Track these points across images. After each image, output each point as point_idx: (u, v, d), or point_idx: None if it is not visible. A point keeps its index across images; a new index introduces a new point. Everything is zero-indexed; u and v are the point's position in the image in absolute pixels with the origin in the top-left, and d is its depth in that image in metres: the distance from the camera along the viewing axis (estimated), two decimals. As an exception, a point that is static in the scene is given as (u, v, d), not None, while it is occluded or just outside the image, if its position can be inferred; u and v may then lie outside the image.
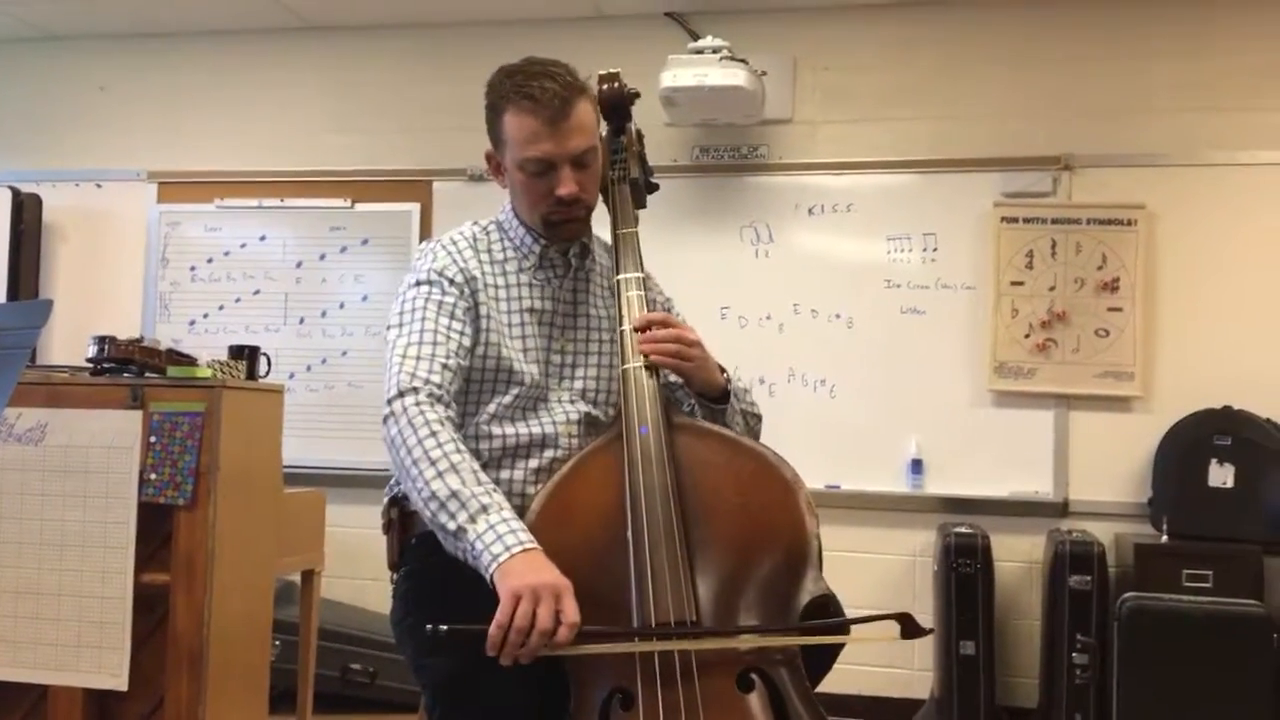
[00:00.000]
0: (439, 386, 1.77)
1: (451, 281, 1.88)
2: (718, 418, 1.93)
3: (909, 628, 1.63)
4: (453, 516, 1.64)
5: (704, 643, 1.62)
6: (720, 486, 1.76)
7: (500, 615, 1.53)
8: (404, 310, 1.87)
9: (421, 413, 1.72)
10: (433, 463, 1.67)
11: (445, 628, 1.58)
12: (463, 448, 1.71)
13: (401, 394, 1.75)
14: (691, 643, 1.61)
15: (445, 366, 1.80)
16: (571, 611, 1.55)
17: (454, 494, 1.65)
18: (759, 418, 2.04)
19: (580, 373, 1.97)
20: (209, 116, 5.15)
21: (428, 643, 1.81)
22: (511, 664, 1.55)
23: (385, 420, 1.76)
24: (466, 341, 1.85)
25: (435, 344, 1.81)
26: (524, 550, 1.59)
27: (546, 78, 1.84)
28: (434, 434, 1.70)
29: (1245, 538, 3.90)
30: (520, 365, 1.90)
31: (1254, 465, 4.00)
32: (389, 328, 1.88)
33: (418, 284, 1.89)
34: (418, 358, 1.79)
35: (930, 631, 1.69)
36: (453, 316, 1.85)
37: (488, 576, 1.59)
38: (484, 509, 1.63)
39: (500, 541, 1.60)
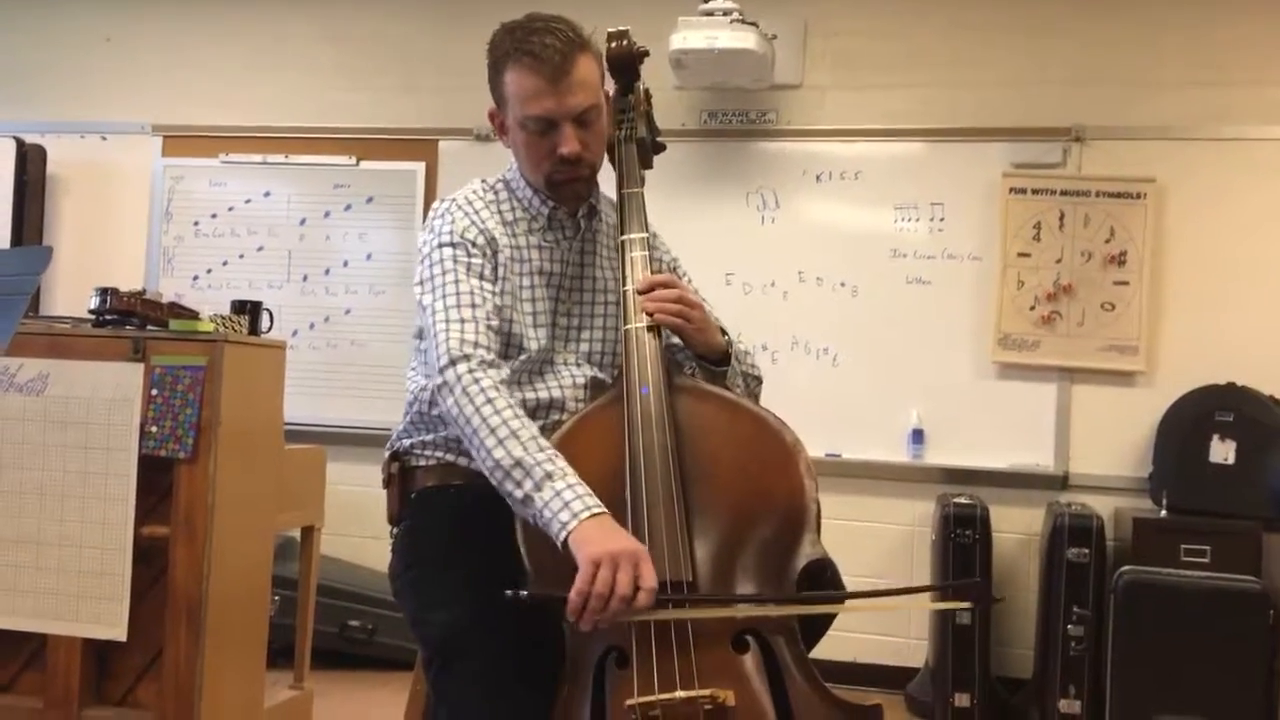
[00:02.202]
0: (488, 349, 1.77)
1: (474, 244, 1.87)
2: (718, 380, 1.92)
3: (983, 595, 1.64)
4: (519, 485, 1.64)
5: (720, 611, 1.62)
6: (720, 448, 1.76)
7: (580, 582, 1.55)
8: (433, 273, 1.85)
9: (476, 380, 1.72)
10: (492, 430, 1.67)
11: (525, 593, 1.60)
12: (520, 413, 1.71)
13: (454, 362, 1.74)
14: (703, 611, 1.61)
15: (489, 328, 1.80)
16: (649, 576, 1.56)
17: (518, 462, 1.64)
18: (759, 380, 2.03)
19: (586, 335, 1.97)
20: (215, 71, 5.12)
21: (426, 598, 1.83)
22: (591, 629, 1.57)
23: (439, 390, 1.74)
24: (499, 302, 1.85)
25: (475, 305, 1.80)
26: (592, 515, 1.60)
27: (548, 34, 1.82)
28: (490, 401, 1.70)
29: (1245, 514, 3.90)
30: (528, 332, 1.88)
31: (1256, 442, 4.00)
32: (420, 291, 1.86)
33: (442, 245, 1.86)
34: (462, 320, 1.78)
35: (1001, 599, 1.71)
36: (482, 277, 1.84)
37: (558, 543, 1.59)
38: (549, 475, 1.63)
39: (568, 509, 1.60)
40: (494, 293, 1.85)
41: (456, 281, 1.82)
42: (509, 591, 1.61)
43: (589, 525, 1.59)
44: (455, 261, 1.84)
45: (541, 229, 1.95)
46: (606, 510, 1.62)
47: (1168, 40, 4.34)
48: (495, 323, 1.82)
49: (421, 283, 1.86)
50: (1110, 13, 4.38)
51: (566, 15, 1.89)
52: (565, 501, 1.61)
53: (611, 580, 1.54)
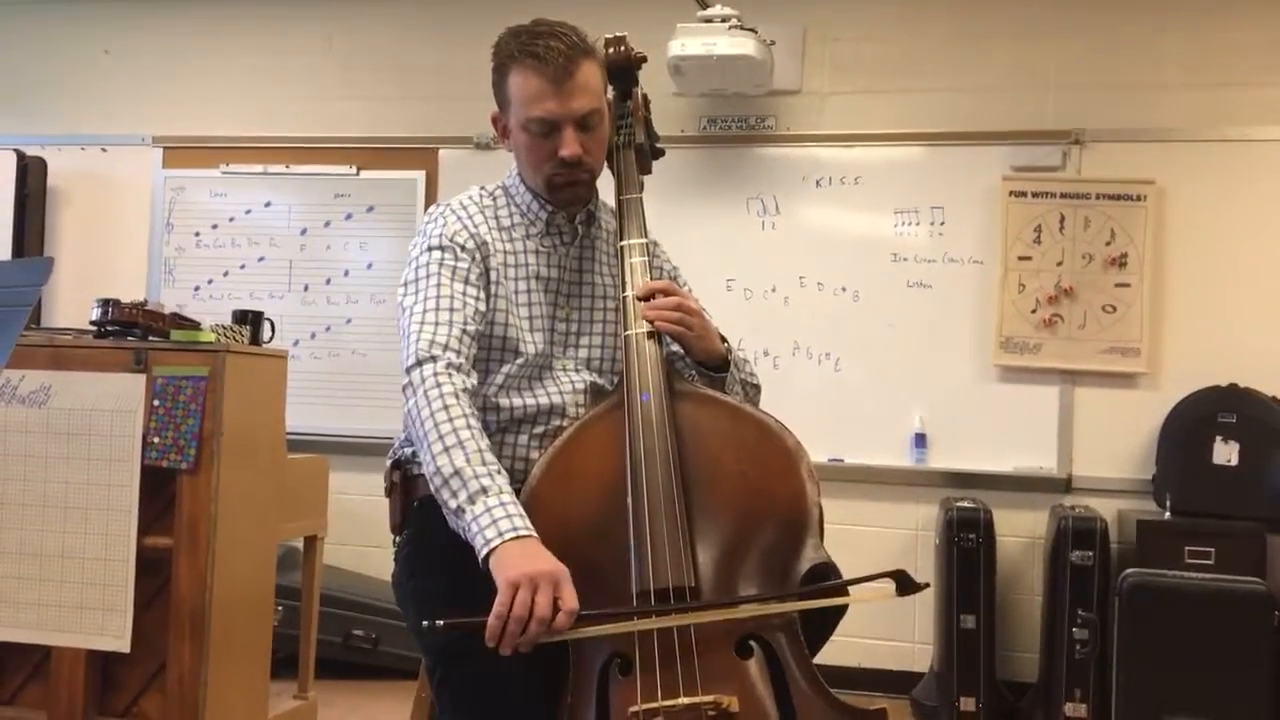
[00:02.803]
0: (458, 354, 1.76)
1: (463, 248, 1.87)
2: (717, 386, 1.91)
3: (904, 584, 1.62)
4: (454, 495, 1.64)
5: (698, 616, 1.61)
6: (721, 453, 1.75)
7: (498, 605, 1.53)
8: (418, 275, 1.85)
9: (438, 384, 1.71)
10: (440, 437, 1.67)
11: (441, 623, 1.58)
12: (474, 422, 1.70)
13: (420, 363, 1.74)
14: (686, 617, 1.60)
15: (465, 332, 1.79)
16: (570, 598, 1.55)
17: (456, 472, 1.64)
18: (758, 388, 2.03)
19: (585, 341, 1.97)
20: (215, 82, 5.13)
21: (430, 605, 1.82)
22: (511, 652, 1.55)
23: (404, 389, 1.75)
24: (482, 307, 1.84)
25: (453, 309, 1.80)
26: (517, 537, 1.58)
27: (552, 37, 1.83)
28: (446, 408, 1.69)
29: (1248, 515, 3.89)
30: (525, 336, 1.89)
31: (1259, 443, 3.99)
32: (402, 293, 1.87)
33: (430, 249, 1.87)
34: (435, 324, 1.78)
35: (925, 586, 1.68)
36: (467, 282, 1.84)
37: (481, 560, 1.59)
38: (483, 490, 1.62)
39: (495, 526, 1.59)
40: (477, 298, 1.84)
41: (438, 285, 1.82)
42: (424, 623, 1.60)
43: (512, 546, 1.57)
44: (440, 265, 1.85)
45: (539, 234, 1.95)
46: (535, 535, 1.61)
47: (1167, 43, 4.34)
48: (473, 328, 1.81)
49: (405, 284, 1.87)
50: (1109, 16, 4.38)
51: (569, 23, 1.90)
52: (494, 519, 1.60)
53: (530, 603, 1.52)
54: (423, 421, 1.69)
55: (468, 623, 1.56)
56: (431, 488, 1.67)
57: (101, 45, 5.25)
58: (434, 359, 1.74)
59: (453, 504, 1.64)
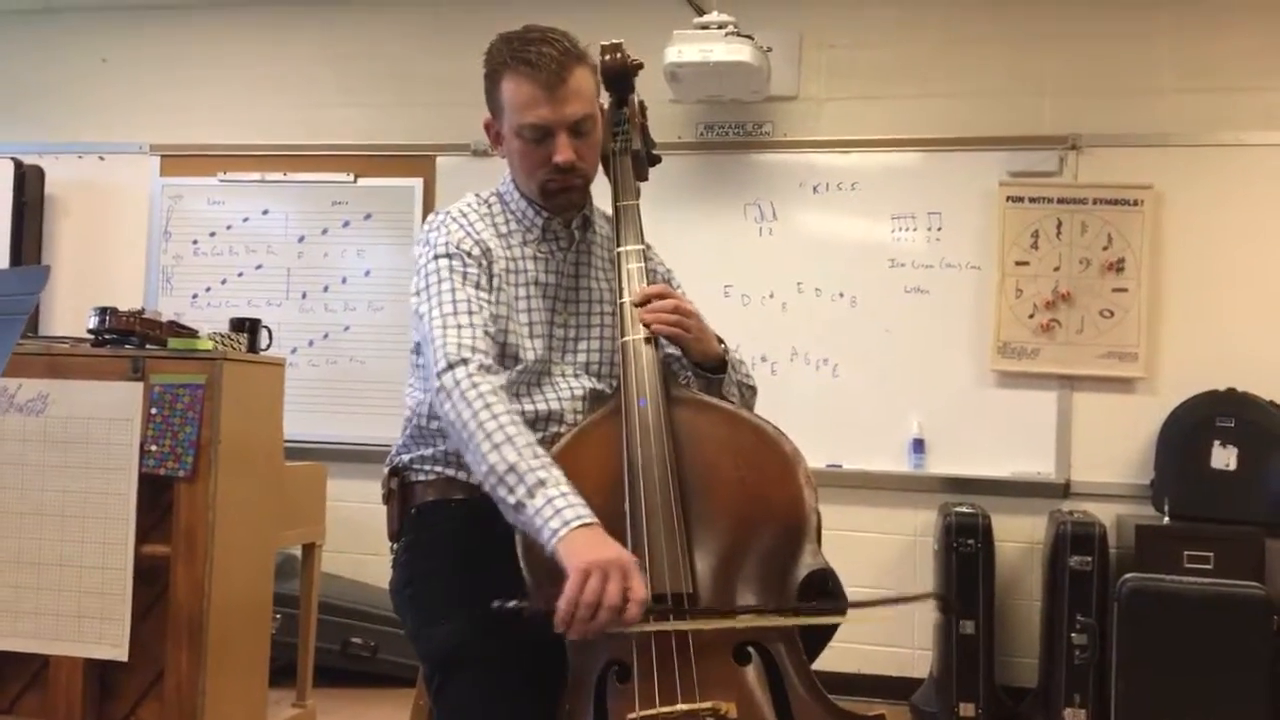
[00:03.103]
0: (486, 354, 1.76)
1: (470, 254, 1.87)
2: (714, 388, 1.92)
3: (944, 604, 1.63)
4: (511, 490, 1.62)
5: (720, 623, 1.61)
6: (719, 459, 1.75)
7: (569, 590, 1.52)
8: (430, 283, 1.85)
9: (475, 385, 1.70)
10: (488, 435, 1.65)
11: (512, 603, 1.57)
12: (518, 419, 1.70)
13: (451, 366, 1.73)
14: (703, 623, 1.60)
15: (486, 334, 1.79)
16: (640, 588, 1.54)
17: (511, 468, 1.63)
18: (754, 390, 2.03)
19: (583, 346, 1.97)
20: (212, 90, 5.13)
21: (427, 613, 1.82)
22: (579, 639, 1.55)
23: (437, 394, 1.73)
24: (495, 311, 1.85)
25: (472, 313, 1.80)
26: (584, 525, 1.58)
27: (545, 43, 1.83)
28: (488, 406, 1.68)
29: (1247, 520, 3.89)
30: (524, 342, 1.89)
31: (1257, 447, 3.99)
32: (416, 301, 1.86)
33: (438, 257, 1.86)
34: (459, 326, 1.77)
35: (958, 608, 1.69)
36: (479, 286, 1.84)
37: (548, 551, 1.58)
38: (541, 483, 1.61)
39: (559, 516, 1.58)
40: (490, 301, 1.85)
41: (453, 290, 1.82)
42: (495, 603, 1.59)
43: (580, 534, 1.57)
44: (451, 271, 1.84)
45: (536, 240, 1.96)
46: (598, 521, 1.60)
47: (1162, 48, 4.35)
48: (492, 329, 1.82)
49: (418, 293, 1.86)
50: (1105, 21, 4.39)
51: (562, 29, 1.90)
52: (557, 509, 1.59)
53: (600, 590, 1.52)
54: (465, 423, 1.68)
55: (538, 608, 1.56)
56: (485, 486, 1.66)
57: (99, 54, 5.25)
58: (465, 361, 1.73)
59: (511, 500, 1.62)
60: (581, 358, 1.96)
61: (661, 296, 1.88)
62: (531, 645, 1.66)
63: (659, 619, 1.60)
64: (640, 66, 2.06)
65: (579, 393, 1.91)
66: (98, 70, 5.25)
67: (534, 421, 1.87)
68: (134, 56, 5.22)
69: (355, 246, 4.95)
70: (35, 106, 5.28)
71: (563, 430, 1.85)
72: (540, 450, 1.67)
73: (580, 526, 1.58)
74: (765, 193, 4.61)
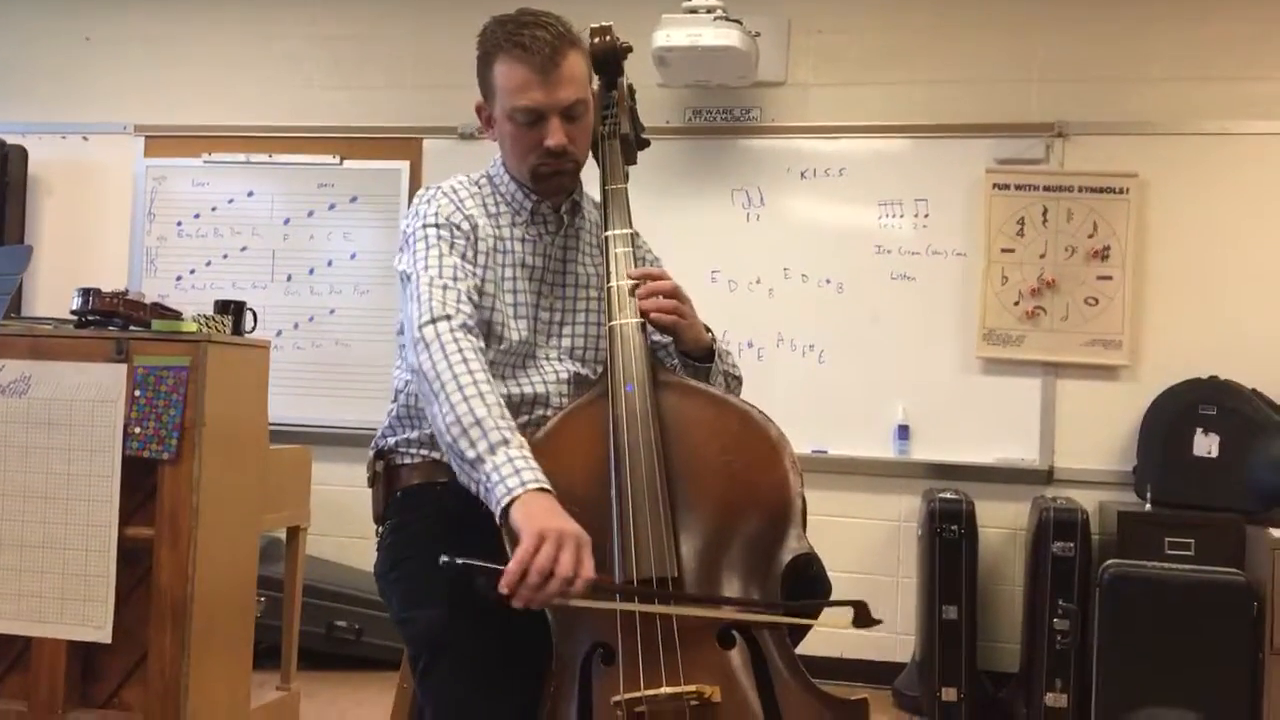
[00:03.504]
0: (470, 316, 1.76)
1: (458, 228, 1.87)
2: (701, 376, 1.92)
3: (861, 617, 1.63)
4: (473, 444, 1.60)
5: (698, 610, 1.61)
6: (705, 444, 1.76)
7: (522, 552, 1.48)
8: (417, 249, 1.84)
9: (455, 340, 1.69)
10: (460, 387, 1.64)
11: (460, 560, 1.53)
12: (492, 380, 1.69)
13: (435, 320, 1.72)
14: (676, 608, 1.60)
15: (470, 300, 1.79)
16: (589, 566, 1.52)
17: (478, 421, 1.61)
18: (739, 380, 2.04)
19: (568, 330, 1.97)
20: (197, 70, 5.10)
21: (412, 596, 1.82)
22: (523, 606, 1.50)
23: (415, 345, 1.71)
24: (476, 283, 1.85)
25: (457, 279, 1.80)
26: (540, 489, 1.56)
27: (538, 27, 1.83)
28: (465, 360, 1.67)
29: (1228, 507, 3.92)
30: (509, 323, 1.89)
31: (1238, 435, 4.02)
32: (402, 262, 1.85)
33: (426, 226, 1.86)
34: (445, 287, 1.77)
35: (879, 622, 1.68)
36: (463, 258, 1.84)
37: (499, 508, 1.55)
38: (504, 441, 1.60)
39: (518, 475, 1.56)
40: (474, 274, 1.85)
41: (440, 256, 1.82)
42: (443, 558, 1.55)
43: (537, 498, 1.55)
44: (439, 239, 1.84)
45: (524, 222, 1.96)
46: (555, 491, 1.58)
47: (1150, 36, 4.36)
48: (477, 299, 1.82)
49: (404, 254, 1.86)
50: (1093, 9, 4.40)
51: (554, 13, 1.90)
52: (516, 469, 1.57)
53: (553, 557, 1.48)
54: (439, 374, 1.66)
55: (485, 566, 1.52)
56: (446, 438, 1.63)
57: (83, 33, 5.21)
58: (449, 317, 1.73)
59: (471, 453, 1.60)
60: (566, 342, 1.96)
61: (656, 278, 1.87)
62: (516, 628, 1.66)
63: (644, 601, 1.61)
64: (630, 50, 2.06)
65: (564, 376, 1.91)
66: (81, 49, 5.20)
67: (519, 404, 1.87)
68: (118, 36, 5.18)
69: (341, 229, 4.93)
70: (18, 86, 5.24)
71: (548, 414, 1.86)
72: (508, 415, 1.65)
73: (537, 490, 1.56)
74: (753, 178, 4.61)
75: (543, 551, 1.49)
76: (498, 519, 1.56)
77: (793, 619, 1.68)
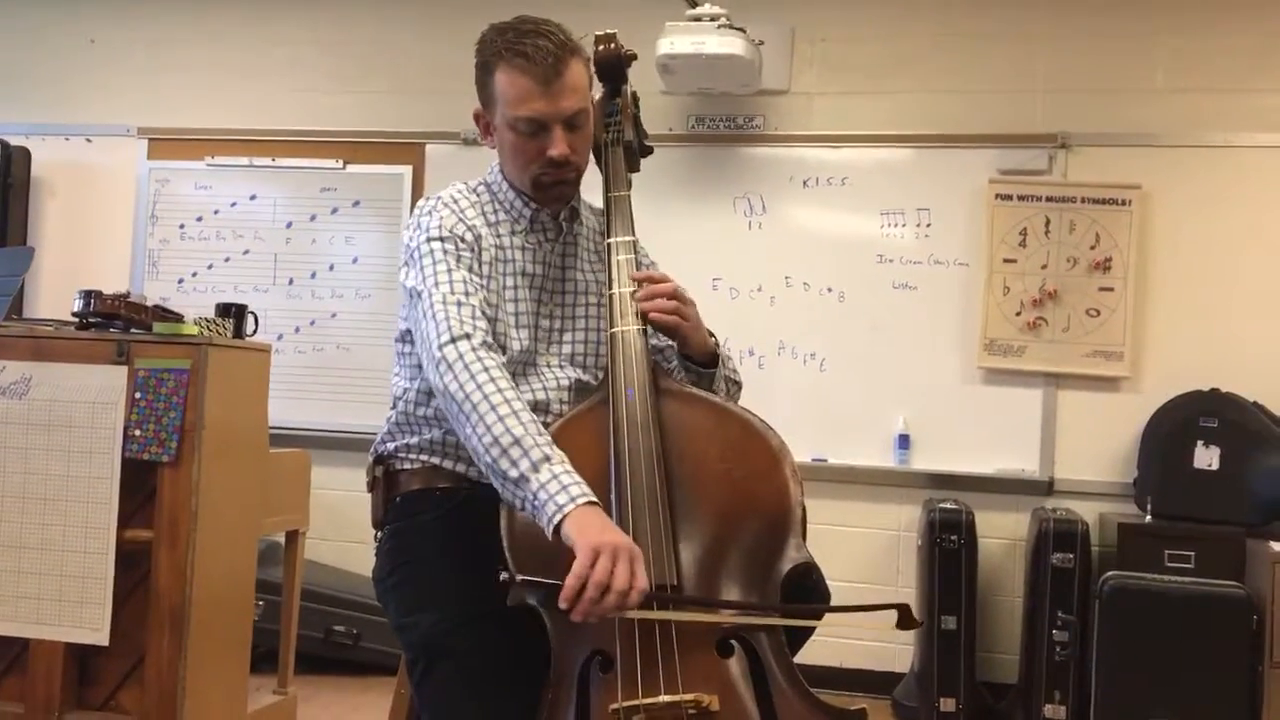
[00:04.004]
0: (487, 333, 1.76)
1: (462, 239, 1.87)
2: (704, 381, 1.91)
3: (905, 618, 1.62)
4: (515, 463, 1.60)
5: (705, 617, 1.60)
6: (705, 451, 1.75)
7: (579, 567, 1.50)
8: (425, 264, 1.83)
9: (479, 358, 1.69)
10: (493, 407, 1.64)
11: (520, 577, 1.55)
12: (521, 396, 1.69)
13: (455, 340, 1.72)
14: (690, 615, 1.60)
15: (484, 315, 1.79)
16: (643, 578, 1.53)
17: (517, 440, 1.61)
18: (739, 385, 2.04)
19: (568, 337, 1.97)
20: (201, 73, 5.10)
21: (410, 601, 1.82)
22: (582, 620, 1.52)
23: (437, 366, 1.71)
24: (488, 297, 1.84)
25: (469, 293, 1.79)
26: (590, 502, 1.57)
27: (540, 36, 1.82)
28: (494, 380, 1.67)
29: (1228, 520, 3.91)
30: (511, 332, 1.88)
31: (1239, 448, 4.01)
32: (410, 280, 1.85)
33: (430, 240, 1.86)
34: (459, 304, 1.76)
35: (921, 624, 1.67)
36: (471, 270, 1.84)
37: (550, 526, 1.56)
38: (547, 458, 1.60)
39: (566, 491, 1.57)
40: (482, 286, 1.84)
41: (450, 270, 1.82)
42: (502, 574, 1.57)
43: (588, 512, 1.56)
44: (445, 254, 1.84)
45: (523, 230, 1.95)
46: (601, 504, 1.60)
47: (1154, 48, 4.36)
48: (489, 311, 1.82)
49: (413, 271, 1.85)
50: (1097, 20, 4.40)
51: (554, 20, 1.89)
52: (564, 485, 1.58)
53: (610, 571, 1.50)
54: (469, 395, 1.66)
55: (544, 582, 1.54)
56: (485, 459, 1.63)
57: (87, 35, 5.22)
58: (468, 335, 1.72)
59: (514, 472, 1.60)
60: (567, 349, 1.96)
61: (657, 281, 1.87)
62: (514, 635, 1.65)
63: (643, 607, 1.60)
64: (634, 57, 2.06)
65: (565, 383, 1.91)
66: (85, 52, 5.21)
67: (520, 412, 1.86)
68: (122, 38, 5.18)
69: (344, 233, 4.93)
70: (22, 87, 5.24)
71: (549, 420, 1.85)
72: (543, 429, 1.66)
73: (587, 504, 1.57)
74: (755, 186, 4.61)
75: (599, 566, 1.50)
76: (548, 535, 1.57)
77: (803, 621, 1.67)
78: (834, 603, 1.77)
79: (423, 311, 1.78)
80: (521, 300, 1.92)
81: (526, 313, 1.92)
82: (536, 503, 1.58)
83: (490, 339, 1.76)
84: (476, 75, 1.90)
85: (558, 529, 1.55)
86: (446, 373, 1.69)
